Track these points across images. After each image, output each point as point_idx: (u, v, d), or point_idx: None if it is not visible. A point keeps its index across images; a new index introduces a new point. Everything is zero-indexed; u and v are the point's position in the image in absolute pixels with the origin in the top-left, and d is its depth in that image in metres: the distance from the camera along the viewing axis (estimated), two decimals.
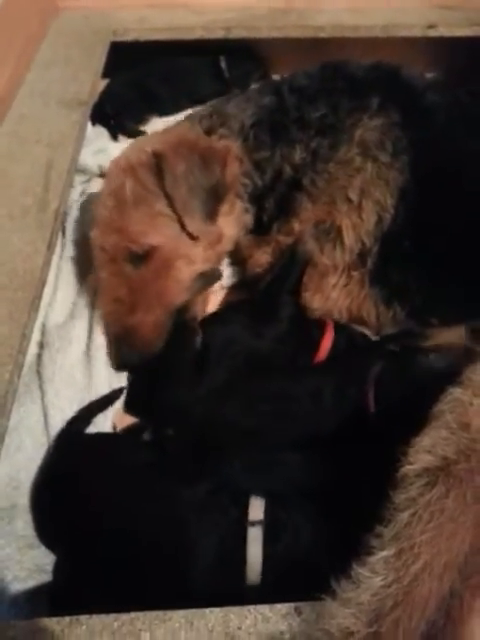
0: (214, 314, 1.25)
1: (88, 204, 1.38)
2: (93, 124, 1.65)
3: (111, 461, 0.98)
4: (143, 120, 1.72)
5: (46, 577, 0.92)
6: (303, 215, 1.16)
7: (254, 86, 1.58)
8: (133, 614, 0.70)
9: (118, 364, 1.12)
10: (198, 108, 1.32)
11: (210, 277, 1.20)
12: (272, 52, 1.76)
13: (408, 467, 0.66)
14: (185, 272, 1.11)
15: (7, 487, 0.97)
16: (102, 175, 1.45)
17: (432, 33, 1.65)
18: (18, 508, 0.96)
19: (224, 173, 1.11)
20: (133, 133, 1.65)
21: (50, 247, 1.15)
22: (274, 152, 1.16)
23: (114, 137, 1.67)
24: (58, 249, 1.29)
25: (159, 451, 1.00)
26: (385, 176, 1.11)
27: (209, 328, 1.13)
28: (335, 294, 1.18)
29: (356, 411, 0.94)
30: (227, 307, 1.31)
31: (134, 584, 0.82)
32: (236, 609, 0.70)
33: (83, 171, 1.51)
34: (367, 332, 1.19)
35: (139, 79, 1.73)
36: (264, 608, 0.70)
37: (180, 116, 1.42)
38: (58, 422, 1.04)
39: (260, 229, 1.23)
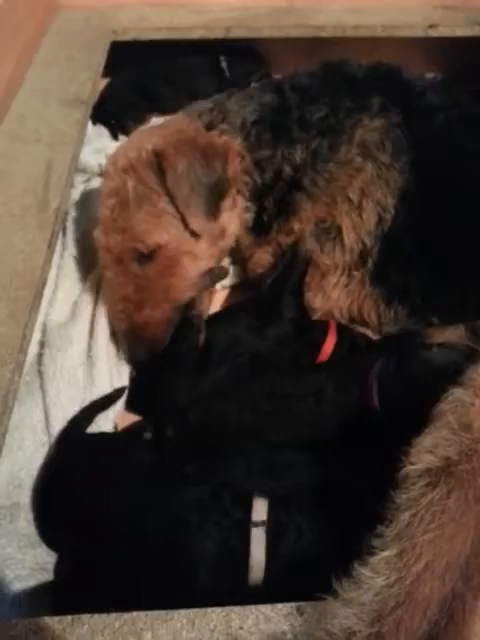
0: (218, 313, 1.26)
1: (86, 202, 1.38)
2: (93, 123, 1.65)
3: (113, 460, 0.98)
4: (143, 119, 1.72)
5: (48, 576, 0.92)
6: (303, 215, 1.16)
7: (255, 84, 1.58)
8: (135, 614, 0.70)
9: (131, 359, 1.15)
10: (195, 103, 1.31)
11: (218, 274, 1.22)
12: (272, 52, 1.77)
13: (410, 467, 0.66)
14: (191, 268, 1.13)
15: (8, 486, 0.97)
16: (102, 174, 1.46)
17: (433, 33, 1.65)
18: (19, 507, 0.96)
19: (226, 169, 1.12)
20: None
21: (51, 246, 1.14)
22: (275, 151, 1.16)
23: (114, 136, 1.67)
24: (59, 248, 1.29)
25: (157, 451, 1.00)
26: (385, 176, 1.11)
27: (213, 327, 1.14)
28: (336, 294, 1.19)
29: (358, 410, 0.94)
30: (231, 307, 1.31)
31: (136, 584, 0.82)
32: (238, 609, 0.70)
33: (83, 170, 1.50)
34: (368, 332, 1.19)
35: (139, 79, 1.74)
36: (266, 608, 0.70)
37: None
38: (59, 421, 1.04)
39: (260, 228, 1.23)
